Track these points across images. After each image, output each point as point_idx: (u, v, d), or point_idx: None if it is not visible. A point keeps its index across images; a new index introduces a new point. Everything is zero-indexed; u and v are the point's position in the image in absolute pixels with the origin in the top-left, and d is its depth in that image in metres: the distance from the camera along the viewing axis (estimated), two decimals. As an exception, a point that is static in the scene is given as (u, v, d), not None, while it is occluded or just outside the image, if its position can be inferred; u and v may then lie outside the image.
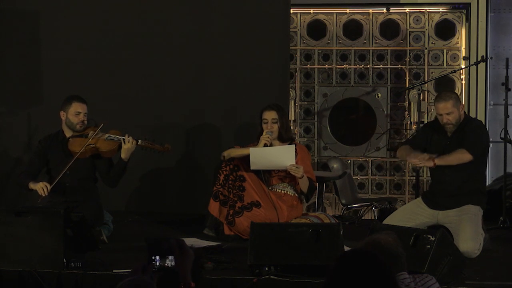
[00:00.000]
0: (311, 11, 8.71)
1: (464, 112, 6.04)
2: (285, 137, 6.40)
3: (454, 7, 8.52)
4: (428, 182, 6.71)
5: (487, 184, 7.01)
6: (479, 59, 7.43)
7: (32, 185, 6.06)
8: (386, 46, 8.65)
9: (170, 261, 3.15)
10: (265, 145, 6.27)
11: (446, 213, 5.90)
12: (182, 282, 3.10)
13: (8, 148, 7.77)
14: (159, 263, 3.16)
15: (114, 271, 5.08)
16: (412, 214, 6.00)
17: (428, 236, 4.95)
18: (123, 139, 6.14)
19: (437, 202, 5.97)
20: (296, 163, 6.12)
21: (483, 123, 8.11)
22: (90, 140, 6.14)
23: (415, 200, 6.25)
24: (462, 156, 5.78)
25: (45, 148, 6.33)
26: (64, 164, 6.07)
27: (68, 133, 6.28)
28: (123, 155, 6.16)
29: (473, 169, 5.90)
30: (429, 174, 6.33)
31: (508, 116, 7.02)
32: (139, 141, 6.18)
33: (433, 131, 6.05)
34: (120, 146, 6.17)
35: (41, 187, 5.98)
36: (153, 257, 3.16)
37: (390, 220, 5.94)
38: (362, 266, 2.73)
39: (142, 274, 3.03)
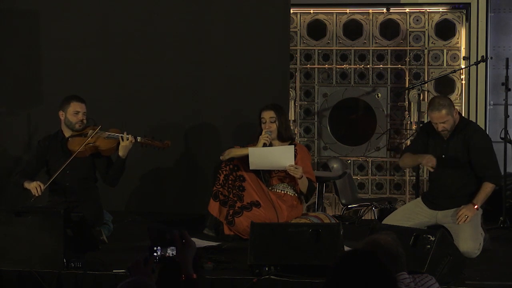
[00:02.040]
0: (311, 11, 8.71)
1: (459, 113, 6.04)
2: (284, 136, 6.40)
3: (454, 7, 8.51)
4: (428, 182, 6.70)
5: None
6: (479, 59, 7.43)
7: (26, 184, 6.07)
8: (386, 46, 8.64)
9: (171, 252, 3.11)
10: (264, 145, 6.27)
11: (446, 213, 5.90)
12: (184, 273, 3.07)
13: (8, 148, 7.76)
14: (161, 253, 3.11)
15: (114, 271, 5.08)
16: (411, 213, 6.00)
17: (428, 236, 4.95)
18: (121, 136, 6.14)
19: (436, 203, 5.97)
20: (296, 163, 6.12)
21: (483, 123, 8.14)
22: (89, 138, 6.14)
23: (415, 200, 6.25)
24: (490, 190, 5.85)
25: (44, 148, 6.33)
26: (63, 163, 6.07)
27: (67, 133, 6.27)
28: (120, 153, 6.17)
29: (472, 171, 5.90)
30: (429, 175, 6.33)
31: (508, 116, 7.01)
32: (138, 138, 6.18)
33: (429, 136, 6.03)
34: (119, 144, 6.18)
35: (34, 187, 5.99)
36: (155, 247, 3.12)
37: (389, 220, 5.94)
38: (362, 266, 2.74)
39: (142, 269, 3.00)
